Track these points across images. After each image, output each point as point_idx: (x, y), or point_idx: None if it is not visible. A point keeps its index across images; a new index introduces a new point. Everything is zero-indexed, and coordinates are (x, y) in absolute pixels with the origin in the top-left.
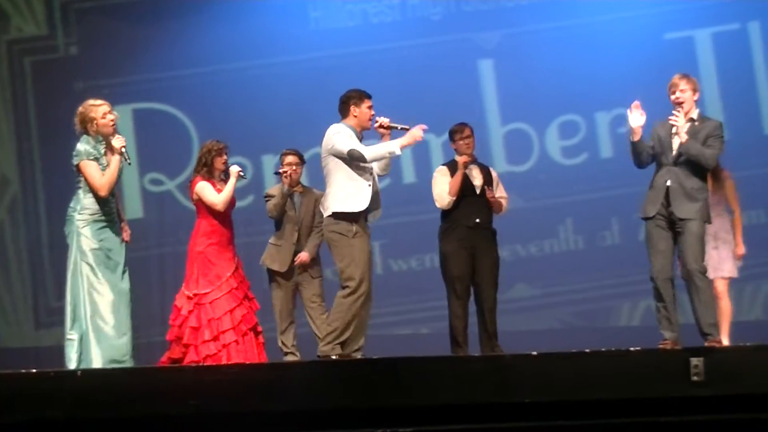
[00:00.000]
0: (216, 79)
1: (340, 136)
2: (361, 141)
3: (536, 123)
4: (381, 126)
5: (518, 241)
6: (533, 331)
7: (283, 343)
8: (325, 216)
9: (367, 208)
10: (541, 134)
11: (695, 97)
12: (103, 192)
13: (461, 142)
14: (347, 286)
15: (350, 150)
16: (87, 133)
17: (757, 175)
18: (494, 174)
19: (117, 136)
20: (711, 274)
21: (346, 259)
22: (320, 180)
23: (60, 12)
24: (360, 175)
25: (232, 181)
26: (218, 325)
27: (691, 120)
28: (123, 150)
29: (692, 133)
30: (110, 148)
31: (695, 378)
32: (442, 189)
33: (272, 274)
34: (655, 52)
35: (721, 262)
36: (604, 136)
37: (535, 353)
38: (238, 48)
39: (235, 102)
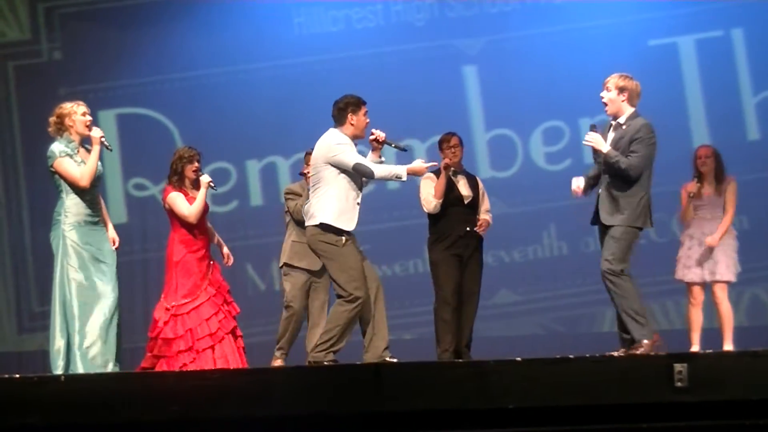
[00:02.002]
0: (199, 84)
1: (345, 147)
2: None
3: (520, 129)
4: (376, 140)
5: (502, 247)
6: (517, 336)
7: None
8: (309, 224)
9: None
10: (525, 140)
11: (623, 98)
12: (83, 182)
13: (447, 151)
14: (343, 296)
15: (357, 164)
16: (60, 135)
17: (741, 181)
18: (481, 185)
19: (94, 128)
20: (707, 278)
21: (340, 269)
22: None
23: (44, 17)
24: (354, 191)
25: (202, 191)
26: (194, 334)
27: (618, 125)
28: (103, 139)
29: (617, 138)
30: (82, 145)
31: (679, 384)
32: (428, 193)
33: (295, 273)
34: (639, 58)
35: (718, 267)
36: None
37: (518, 359)
38: (222, 53)
39: (218, 107)
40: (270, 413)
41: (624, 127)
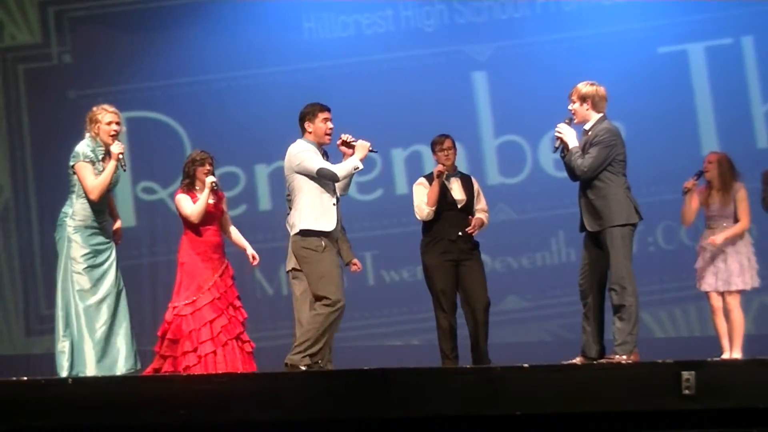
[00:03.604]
0: (209, 89)
1: (307, 153)
2: (324, 156)
3: (529, 135)
4: (344, 143)
5: (510, 254)
6: (524, 343)
7: None
8: (292, 233)
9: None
10: (534, 146)
11: (587, 106)
12: (93, 195)
13: (440, 154)
14: (324, 301)
15: (320, 169)
16: (90, 134)
17: (749, 189)
18: (476, 185)
19: (116, 142)
20: (720, 288)
21: (319, 274)
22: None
23: (54, 20)
24: (327, 193)
25: (205, 192)
26: (198, 336)
27: (585, 131)
28: (120, 156)
29: (582, 144)
30: (108, 154)
31: (686, 392)
32: (421, 200)
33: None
34: (649, 65)
35: (731, 276)
36: None
37: (526, 365)
38: (232, 57)
39: (228, 111)
40: (277, 418)
41: (589, 133)
